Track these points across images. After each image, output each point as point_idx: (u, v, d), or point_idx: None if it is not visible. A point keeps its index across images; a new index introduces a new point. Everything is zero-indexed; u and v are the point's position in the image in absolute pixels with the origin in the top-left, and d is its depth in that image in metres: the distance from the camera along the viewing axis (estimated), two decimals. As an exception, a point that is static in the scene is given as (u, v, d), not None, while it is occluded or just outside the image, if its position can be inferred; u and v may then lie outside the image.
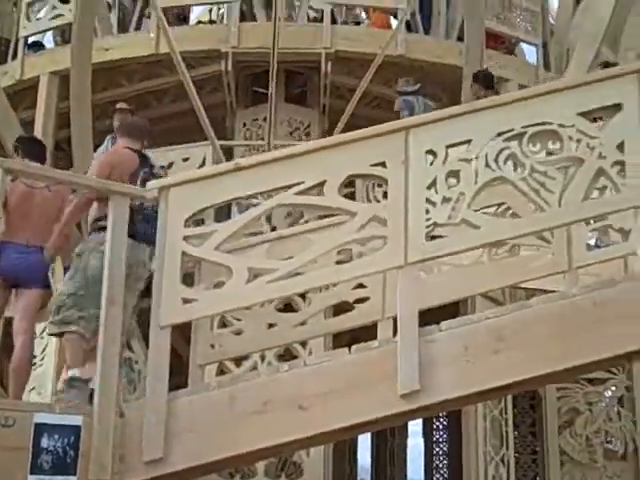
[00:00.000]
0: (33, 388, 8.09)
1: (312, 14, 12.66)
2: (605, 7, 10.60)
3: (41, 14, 12.03)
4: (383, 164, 3.96)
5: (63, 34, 12.27)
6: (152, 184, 4.15)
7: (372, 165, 3.98)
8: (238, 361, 6.10)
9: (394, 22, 11.77)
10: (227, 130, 11.64)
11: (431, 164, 3.93)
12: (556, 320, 3.73)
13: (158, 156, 9.65)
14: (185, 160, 9.48)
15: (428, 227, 3.88)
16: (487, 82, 9.17)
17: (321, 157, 4.01)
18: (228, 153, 10.56)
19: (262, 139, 11.24)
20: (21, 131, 10.25)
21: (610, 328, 3.63)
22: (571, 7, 12.32)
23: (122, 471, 3.92)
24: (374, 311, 5.12)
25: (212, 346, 5.08)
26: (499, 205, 4.75)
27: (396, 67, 10.75)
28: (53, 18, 11.84)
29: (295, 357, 6.10)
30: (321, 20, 11.66)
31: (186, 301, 4.02)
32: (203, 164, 9.41)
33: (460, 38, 11.15)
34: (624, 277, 3.98)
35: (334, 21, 11.69)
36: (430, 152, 3.94)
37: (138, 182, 4.94)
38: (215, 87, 11.41)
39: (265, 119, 11.25)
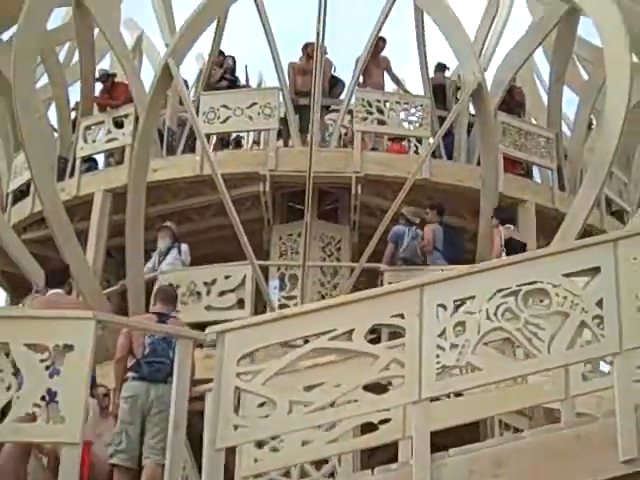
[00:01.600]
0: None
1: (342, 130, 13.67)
2: (615, 128, 11.15)
3: (97, 136, 13.23)
4: (402, 315, 4.79)
5: (115, 154, 13.40)
6: (212, 329, 5.00)
7: (392, 316, 4.82)
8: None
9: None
10: (264, 243, 12.57)
11: (441, 316, 4.76)
12: (545, 450, 4.49)
13: (204, 273, 10.66)
14: (227, 278, 10.36)
15: (438, 369, 4.68)
16: (502, 218, 10.18)
17: (351, 309, 4.86)
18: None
19: (296, 253, 12.18)
20: (77, 243, 11.24)
21: (590, 460, 4.37)
22: (584, 132, 13.29)
23: None
24: (395, 430, 5.85)
25: (255, 460, 5.83)
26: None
27: (421, 189, 11.69)
28: (108, 141, 13.01)
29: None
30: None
31: (237, 427, 4.83)
32: (243, 282, 10.28)
33: (480, 163, 12.10)
34: (603, 413, 4.70)
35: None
36: (441, 306, 4.78)
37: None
38: (253, 204, 12.37)
39: (299, 234, 12.24)
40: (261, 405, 5.21)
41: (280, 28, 13.47)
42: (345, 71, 13.93)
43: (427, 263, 10.69)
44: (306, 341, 4.95)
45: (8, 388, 4.67)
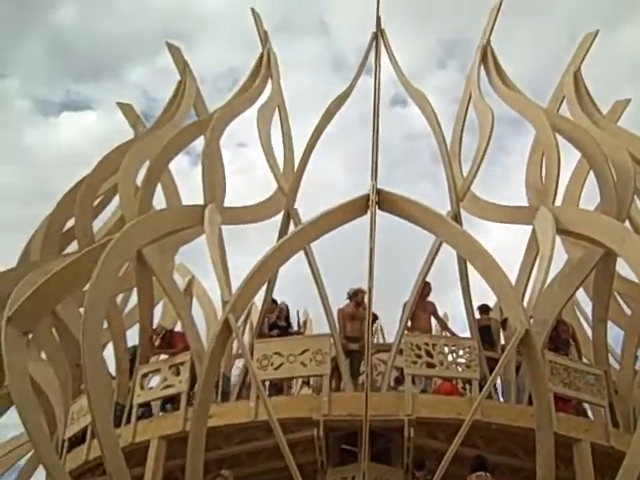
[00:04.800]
0: None
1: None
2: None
3: (153, 384, 13.65)
4: None
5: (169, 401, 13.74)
6: None
7: None
8: None
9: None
10: (319, 485, 12.56)
11: None
12: None
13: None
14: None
15: None
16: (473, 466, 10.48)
17: None
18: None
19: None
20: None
21: None
22: (632, 367, 13.40)
23: None
24: None
25: None
26: None
27: (474, 429, 11.73)
28: (164, 388, 13.40)
29: None
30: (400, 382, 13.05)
31: None
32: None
33: (531, 402, 12.20)
34: None
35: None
36: None
37: None
38: (306, 447, 12.46)
39: (353, 477, 12.26)
40: None
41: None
42: (385, 310, 14.53)
43: None
44: None
45: None
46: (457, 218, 14.02)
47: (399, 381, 13.27)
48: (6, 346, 11.79)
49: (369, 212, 12.33)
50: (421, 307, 13.63)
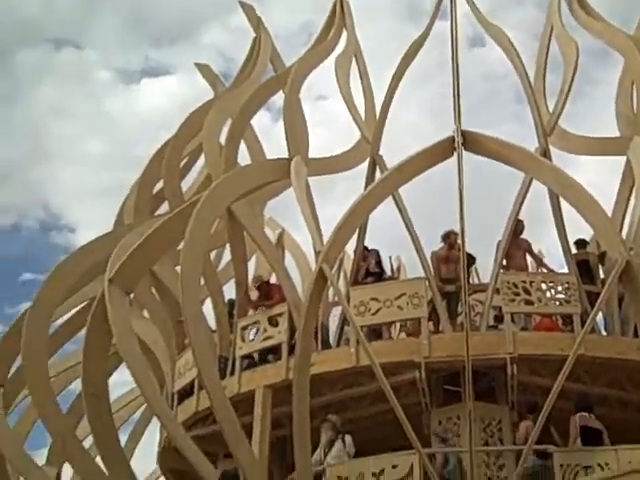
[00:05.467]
0: None
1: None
2: None
3: (253, 336, 13.97)
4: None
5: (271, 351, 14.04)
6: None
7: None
8: None
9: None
10: (423, 427, 12.69)
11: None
12: None
13: (371, 464, 10.82)
14: (394, 467, 10.50)
15: None
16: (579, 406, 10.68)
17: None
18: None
19: (457, 435, 12.26)
20: (245, 438, 11.66)
21: None
22: None
23: None
24: None
25: None
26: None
27: (578, 363, 11.62)
28: (264, 339, 13.71)
29: None
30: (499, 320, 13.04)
31: None
32: (411, 471, 10.40)
33: (637, 334, 12.06)
34: None
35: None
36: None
37: None
38: (410, 390, 12.60)
39: (458, 417, 12.35)
40: None
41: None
42: (479, 251, 14.46)
43: None
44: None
45: None
46: (546, 154, 13.81)
47: (498, 320, 13.26)
48: (111, 306, 12.17)
49: (455, 154, 12.23)
50: (515, 245, 13.53)
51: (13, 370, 14.58)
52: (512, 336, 12.09)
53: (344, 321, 13.96)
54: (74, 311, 16.14)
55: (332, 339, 14.33)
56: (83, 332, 13.20)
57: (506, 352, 11.95)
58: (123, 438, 16.66)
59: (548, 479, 10.46)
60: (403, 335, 14.13)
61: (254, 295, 14.60)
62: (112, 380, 15.70)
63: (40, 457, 16.04)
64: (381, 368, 11.00)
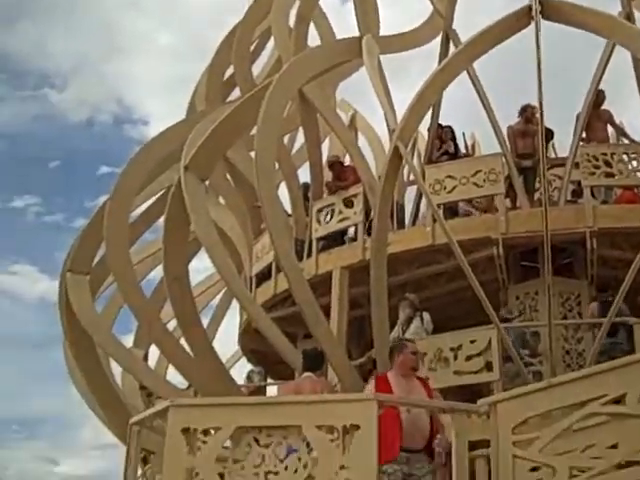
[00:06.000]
0: None
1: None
2: None
3: (329, 218, 14.02)
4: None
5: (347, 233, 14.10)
6: (483, 401, 5.28)
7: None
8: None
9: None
10: (501, 303, 12.69)
11: None
12: None
13: (449, 339, 10.91)
14: (472, 342, 10.57)
15: None
16: None
17: (619, 374, 4.98)
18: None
19: (535, 311, 12.24)
20: (324, 319, 11.85)
21: None
22: None
23: None
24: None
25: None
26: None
27: (660, 236, 11.43)
28: (340, 221, 13.75)
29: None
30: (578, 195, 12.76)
31: None
32: (489, 345, 10.44)
33: None
34: None
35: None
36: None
37: None
38: (487, 266, 12.58)
39: (536, 292, 12.29)
40: (532, 470, 5.37)
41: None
42: (557, 125, 14.03)
43: None
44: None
45: (305, 466, 5.14)
46: (630, 18, 13.15)
47: (577, 195, 12.98)
48: (187, 193, 12.29)
49: (533, 23, 11.73)
50: (595, 116, 13.08)
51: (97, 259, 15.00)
52: (592, 210, 11.83)
53: (419, 200, 13.85)
54: (152, 200, 16.40)
55: (407, 219, 14.28)
56: (162, 220, 13.43)
57: (585, 226, 11.71)
58: (204, 323, 17.14)
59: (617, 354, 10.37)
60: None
61: (328, 176, 14.55)
62: (191, 267, 16.05)
63: (127, 342, 16.67)
64: (458, 245, 11.04)
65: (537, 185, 12.98)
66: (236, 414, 5.36)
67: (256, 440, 5.23)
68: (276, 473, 5.14)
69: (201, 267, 19.14)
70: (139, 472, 6.82)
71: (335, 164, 14.37)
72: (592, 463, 4.90)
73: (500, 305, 12.54)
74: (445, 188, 12.48)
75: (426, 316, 11.50)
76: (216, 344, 15.22)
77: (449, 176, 12.48)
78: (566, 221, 11.87)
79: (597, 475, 4.84)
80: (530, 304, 12.45)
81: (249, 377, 14.07)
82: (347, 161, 15.27)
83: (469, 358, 10.53)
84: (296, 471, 5.11)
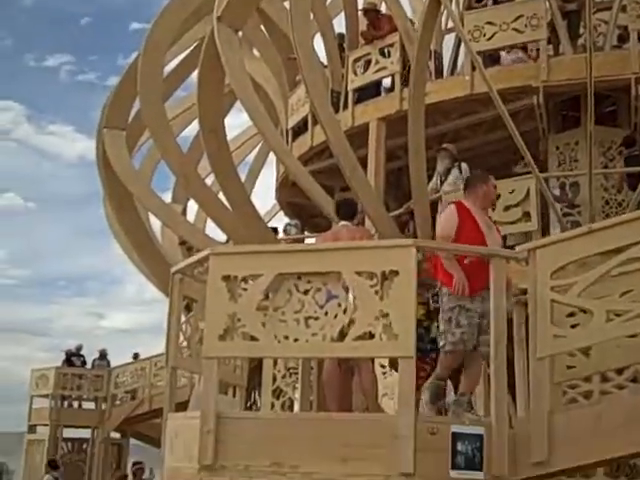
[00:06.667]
0: (385, 394, 9.58)
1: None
2: None
3: (366, 68, 13.69)
4: None
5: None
6: (522, 247, 5.27)
7: None
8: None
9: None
10: (540, 154, 12.52)
11: None
12: None
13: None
14: (511, 192, 10.49)
15: None
16: None
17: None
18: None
19: (575, 160, 12.07)
20: (362, 170, 11.78)
21: None
22: None
23: (515, 469, 5.09)
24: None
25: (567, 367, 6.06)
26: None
27: None
28: (377, 71, 13.45)
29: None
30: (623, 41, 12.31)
31: (556, 337, 5.10)
32: (527, 195, 10.36)
33: None
34: None
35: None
36: None
37: None
38: (527, 116, 12.32)
39: (577, 142, 12.08)
40: (569, 315, 5.41)
41: None
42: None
43: None
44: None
45: (345, 311, 5.22)
46: None
47: (622, 40, 12.50)
48: (221, 43, 12.03)
49: None
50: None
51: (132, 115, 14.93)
52: (638, 55, 11.40)
53: (458, 48, 13.46)
54: (186, 53, 16.15)
55: (446, 68, 13.93)
56: (195, 74, 13.24)
57: (631, 72, 11.33)
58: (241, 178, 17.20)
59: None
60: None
61: (363, 25, 14.14)
62: (226, 122, 15.95)
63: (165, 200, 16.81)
64: (498, 95, 10.77)
65: (581, 30, 12.49)
66: (276, 261, 5.41)
67: (296, 287, 5.29)
68: (316, 318, 5.22)
69: (236, 123, 19.02)
70: (182, 319, 6.94)
71: (370, 11, 13.91)
72: (630, 306, 4.92)
73: (539, 155, 12.39)
74: (485, 35, 12.05)
75: (464, 166, 11.34)
76: (254, 198, 15.36)
77: (489, 22, 12.03)
78: (611, 67, 11.46)
79: (634, 318, 4.86)
80: (570, 155, 12.24)
81: (286, 230, 14.18)
82: (383, 9, 14.79)
83: (507, 208, 10.47)
84: (336, 316, 5.18)
